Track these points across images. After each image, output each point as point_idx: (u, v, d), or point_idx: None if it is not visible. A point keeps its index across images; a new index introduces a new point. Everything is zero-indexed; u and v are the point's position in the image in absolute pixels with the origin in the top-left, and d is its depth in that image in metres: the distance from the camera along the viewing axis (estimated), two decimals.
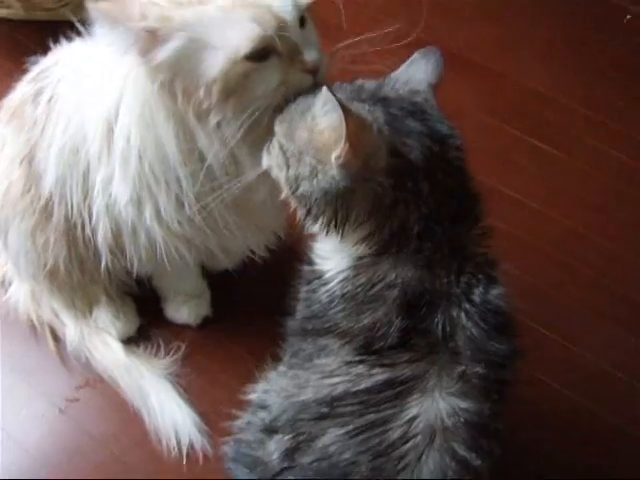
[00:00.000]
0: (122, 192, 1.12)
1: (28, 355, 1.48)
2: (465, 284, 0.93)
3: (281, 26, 0.95)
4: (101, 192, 1.16)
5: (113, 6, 0.95)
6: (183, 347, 1.45)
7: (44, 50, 1.29)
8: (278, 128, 0.97)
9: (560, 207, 1.71)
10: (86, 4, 0.94)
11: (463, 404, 0.90)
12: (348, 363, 0.94)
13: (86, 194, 1.19)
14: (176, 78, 0.98)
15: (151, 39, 0.95)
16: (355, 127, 0.85)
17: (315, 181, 0.91)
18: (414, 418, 0.90)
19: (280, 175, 0.97)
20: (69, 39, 1.23)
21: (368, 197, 0.91)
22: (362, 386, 0.92)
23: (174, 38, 0.95)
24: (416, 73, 1.01)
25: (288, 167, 0.94)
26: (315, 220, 0.95)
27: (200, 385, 1.43)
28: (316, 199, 0.92)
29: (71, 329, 1.46)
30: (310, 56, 0.99)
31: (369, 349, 0.93)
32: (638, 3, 2.13)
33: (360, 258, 0.95)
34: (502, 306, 0.94)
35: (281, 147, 0.95)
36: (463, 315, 0.92)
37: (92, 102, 1.13)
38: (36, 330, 1.49)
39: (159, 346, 1.46)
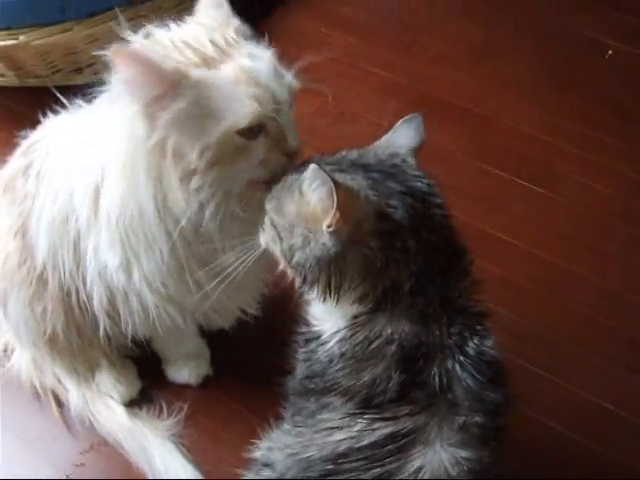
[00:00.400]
0: (111, 257, 1.16)
1: (32, 421, 1.50)
2: (458, 336, 0.96)
3: (276, 109, 1.02)
4: (93, 259, 1.19)
5: (137, 52, 0.99)
6: (185, 407, 1.47)
7: (37, 117, 1.34)
8: (268, 206, 1.01)
9: (551, 247, 1.73)
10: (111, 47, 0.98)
11: (464, 453, 0.92)
12: (351, 418, 0.96)
13: (78, 262, 1.23)
14: (170, 137, 1.01)
15: (166, 92, 0.98)
16: (344, 196, 0.89)
17: (308, 249, 0.95)
18: (419, 469, 0.92)
19: (275, 248, 1.01)
20: (61, 105, 1.28)
21: (359, 260, 0.94)
22: (366, 441, 0.94)
23: (184, 97, 0.99)
24: (398, 139, 1.05)
25: (281, 240, 0.99)
26: (311, 286, 0.99)
27: (203, 444, 1.44)
28: (310, 266, 0.96)
29: (74, 394, 1.47)
30: (293, 141, 1.06)
31: (370, 403, 0.95)
32: (618, 39, 2.17)
33: (355, 317, 0.98)
34: (495, 356, 0.98)
35: (272, 222, 1.00)
36: (458, 367, 0.95)
37: (80, 170, 1.16)
38: (39, 396, 1.51)
39: (161, 407, 1.47)
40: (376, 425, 0.94)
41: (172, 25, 1.09)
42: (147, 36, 1.07)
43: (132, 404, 1.48)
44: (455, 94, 2.05)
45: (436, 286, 0.96)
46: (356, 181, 0.94)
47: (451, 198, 1.74)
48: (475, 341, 0.96)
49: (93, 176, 1.13)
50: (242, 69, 1.01)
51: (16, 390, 1.51)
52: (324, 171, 0.89)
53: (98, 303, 1.25)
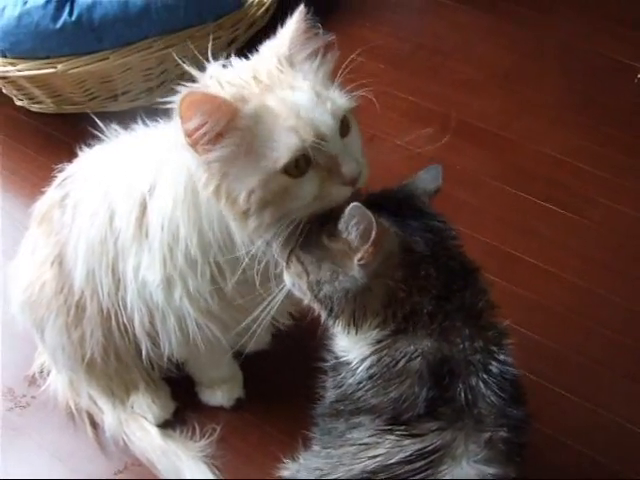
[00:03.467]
0: (152, 275, 1.18)
1: (67, 441, 1.53)
2: (481, 354, 1.00)
3: (320, 139, 0.98)
4: (132, 279, 1.22)
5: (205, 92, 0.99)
6: (218, 429, 1.49)
7: (74, 142, 1.37)
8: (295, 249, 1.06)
9: (579, 270, 1.74)
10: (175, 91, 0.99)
11: (491, 470, 0.95)
12: (379, 435, 0.99)
13: (117, 284, 1.26)
14: (222, 183, 1.01)
15: (227, 126, 0.98)
16: (379, 233, 0.95)
17: (337, 283, 1.01)
18: None
19: (302, 283, 1.05)
20: (97, 131, 1.30)
21: (383, 291, 1.01)
22: (395, 458, 0.97)
23: (236, 131, 0.98)
24: (419, 184, 1.10)
25: (308, 275, 1.03)
26: (336, 319, 1.04)
27: (235, 466, 1.46)
28: (337, 298, 1.01)
29: (109, 415, 1.50)
30: (349, 169, 1.01)
31: (398, 420, 0.98)
32: None
33: (379, 341, 1.02)
34: (516, 375, 1.01)
35: (299, 259, 1.04)
36: (482, 384, 0.98)
37: (124, 190, 1.19)
38: (74, 417, 1.54)
39: (194, 429, 1.50)
40: (405, 442, 0.97)
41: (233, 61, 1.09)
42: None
43: (166, 425, 1.51)
44: (482, 118, 2.08)
45: (455, 305, 1.01)
46: (383, 218, 0.99)
47: (479, 221, 1.80)
48: (498, 359, 1.00)
49: (140, 196, 1.16)
50: (281, 102, 0.99)
51: (51, 410, 1.55)
52: (365, 208, 0.95)
53: (139, 324, 1.28)
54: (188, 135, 0.98)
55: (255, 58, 1.09)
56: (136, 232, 1.18)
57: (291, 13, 1.09)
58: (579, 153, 1.98)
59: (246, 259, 1.09)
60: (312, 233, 1.05)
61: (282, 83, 1.02)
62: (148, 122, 1.24)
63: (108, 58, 1.86)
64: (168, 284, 1.19)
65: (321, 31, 1.11)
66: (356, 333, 1.04)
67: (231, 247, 1.12)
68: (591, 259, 1.76)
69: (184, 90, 0.98)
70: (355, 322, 1.03)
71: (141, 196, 1.16)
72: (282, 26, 1.09)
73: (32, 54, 1.84)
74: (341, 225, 0.98)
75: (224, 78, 1.04)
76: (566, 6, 2.41)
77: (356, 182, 1.03)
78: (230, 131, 0.98)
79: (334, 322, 1.06)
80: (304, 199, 1.02)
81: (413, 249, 1.00)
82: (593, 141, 2.01)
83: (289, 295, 1.11)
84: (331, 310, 1.04)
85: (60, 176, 1.36)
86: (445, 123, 2.06)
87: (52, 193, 1.36)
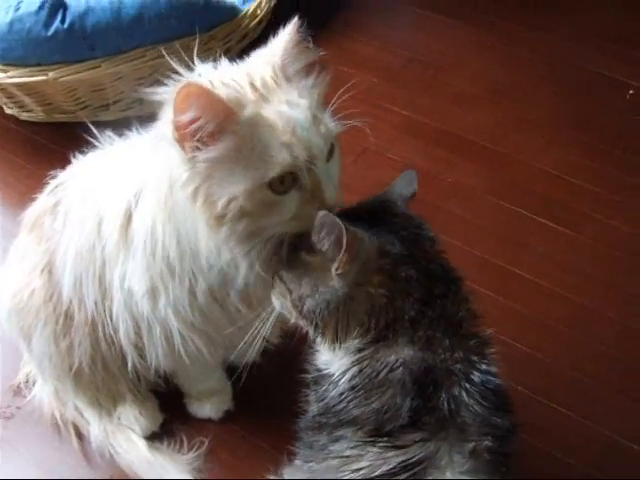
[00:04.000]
0: (137, 284, 1.16)
1: (52, 453, 1.50)
2: (462, 363, 0.99)
3: (311, 160, 0.99)
4: (119, 288, 1.20)
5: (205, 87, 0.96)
6: (206, 442, 1.46)
7: (64, 151, 1.35)
8: (275, 264, 1.06)
9: (572, 285, 1.73)
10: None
11: None
12: (362, 447, 0.97)
13: (104, 293, 1.24)
14: (203, 184, 0.99)
15: (221, 125, 0.96)
16: (351, 239, 0.95)
17: (317, 295, 1.01)
18: None
19: (286, 302, 1.05)
20: (89, 141, 1.29)
21: (365, 300, 1.00)
22: (378, 471, 0.94)
23: (233, 134, 0.96)
24: (394, 189, 1.11)
25: (290, 292, 1.03)
26: (323, 334, 1.04)
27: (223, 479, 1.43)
28: (320, 311, 1.01)
29: (95, 427, 1.48)
30: (330, 196, 1.02)
31: (381, 431, 0.96)
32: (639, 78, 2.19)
33: (360, 350, 1.01)
34: (500, 384, 1.00)
35: (280, 278, 1.05)
36: (464, 394, 0.97)
37: (112, 197, 1.17)
38: (60, 428, 1.51)
39: (182, 441, 1.47)
40: (389, 454, 0.95)
41: (225, 64, 1.07)
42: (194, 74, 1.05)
43: (153, 437, 1.48)
44: (476, 133, 2.07)
45: (437, 312, 1.00)
46: (355, 226, 0.99)
47: (472, 235, 1.78)
48: (480, 369, 0.99)
49: (126, 202, 1.14)
50: (278, 116, 0.98)
51: (37, 421, 1.52)
52: (333, 216, 0.95)
53: (124, 335, 1.25)
54: (178, 128, 0.96)
55: (247, 64, 1.08)
56: (121, 240, 1.16)
57: (284, 25, 1.08)
58: (573, 169, 1.98)
59: (214, 270, 1.09)
60: (292, 251, 1.04)
61: (278, 95, 1.01)
62: (142, 130, 1.22)
63: (100, 66, 1.84)
64: (153, 294, 1.16)
65: (312, 46, 1.10)
66: (340, 347, 1.02)
67: (201, 263, 1.10)
68: (585, 274, 1.75)
69: (182, 81, 0.97)
70: (339, 335, 1.02)
71: (127, 202, 1.15)
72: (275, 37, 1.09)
73: (23, 61, 1.82)
74: (314, 236, 0.98)
75: (216, 78, 1.02)
76: (560, 25, 2.42)
77: (334, 208, 1.02)
78: (224, 134, 0.96)
79: (322, 338, 1.05)
80: (282, 217, 1.02)
81: (389, 251, 0.99)
82: (587, 157, 2.01)
83: (279, 316, 1.10)
84: (316, 325, 1.03)
85: (52, 183, 1.34)
86: (436, 137, 2.05)
87: (44, 200, 1.33)
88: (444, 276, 1.04)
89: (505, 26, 2.40)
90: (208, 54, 2.05)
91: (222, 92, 0.98)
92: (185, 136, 0.96)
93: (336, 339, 1.03)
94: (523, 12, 2.45)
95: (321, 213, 0.96)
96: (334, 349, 1.03)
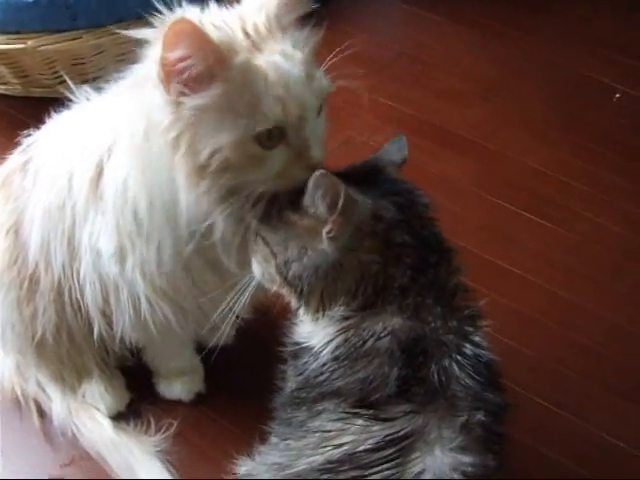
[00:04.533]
0: (106, 244, 1.10)
1: (12, 431, 1.43)
2: (454, 334, 0.94)
3: (301, 117, 0.95)
4: (87, 248, 1.14)
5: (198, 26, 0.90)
6: (175, 424, 1.39)
7: (40, 126, 1.30)
8: (257, 226, 1.01)
9: (560, 281, 1.69)
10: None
11: (466, 459, 0.87)
12: (345, 421, 0.91)
13: (72, 254, 1.18)
14: (187, 131, 0.94)
15: (210, 70, 0.91)
16: (346, 201, 0.90)
17: (305, 259, 0.96)
18: (420, 473, 0.86)
19: (270, 267, 1.00)
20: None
21: (356, 266, 0.95)
22: (362, 447, 0.89)
23: (223, 81, 0.91)
24: (384, 155, 1.07)
25: (275, 256, 0.98)
26: (307, 302, 0.99)
27: (191, 462, 1.36)
28: (307, 276, 0.96)
29: (57, 404, 1.40)
30: (317, 154, 0.98)
31: (366, 402, 0.91)
32: (626, 83, 2.18)
33: (345, 319, 0.96)
34: (492, 359, 0.96)
35: (264, 240, 0.99)
36: (455, 366, 0.92)
37: (83, 151, 1.12)
38: (20, 405, 1.44)
39: (149, 423, 1.40)
40: (374, 428, 0.89)
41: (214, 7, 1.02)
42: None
43: (119, 418, 1.41)
44: (464, 128, 2.04)
45: (429, 280, 0.96)
46: (350, 188, 0.95)
47: (459, 228, 1.72)
48: (472, 340, 0.95)
49: (98, 154, 1.08)
50: (272, 67, 0.94)
51: None
52: (332, 175, 0.91)
53: (92, 299, 1.19)
54: (164, 65, 0.90)
55: (238, 9, 1.02)
56: (91, 195, 1.10)
57: None
58: (562, 167, 1.95)
59: (185, 229, 1.03)
60: (276, 212, 0.99)
61: (271, 45, 0.96)
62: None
63: (81, 37, 1.79)
64: (121, 254, 1.10)
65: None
66: (323, 315, 0.97)
67: (174, 211, 1.03)
68: (572, 270, 1.72)
69: (175, 15, 0.92)
70: (324, 303, 0.97)
71: (99, 155, 1.09)
72: None
73: (2, 28, 1.76)
74: (306, 198, 0.94)
75: (206, 19, 0.96)
76: (549, 28, 2.40)
77: (318, 167, 0.97)
78: (214, 79, 0.91)
79: (305, 307, 0.99)
80: (266, 173, 0.97)
81: (384, 215, 0.95)
82: (576, 156, 1.98)
83: (257, 287, 1.05)
84: (301, 292, 0.97)
85: (25, 141, 1.29)
86: (424, 129, 2.01)
87: (14, 158, 1.28)
88: (437, 244, 1.00)
89: (497, 28, 2.38)
90: None
91: (213, 35, 0.92)
92: (171, 74, 0.91)
93: (321, 307, 0.98)
94: (512, 13, 2.42)
95: (318, 172, 0.92)
96: (317, 319, 0.98)
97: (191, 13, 0.98)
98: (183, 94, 0.92)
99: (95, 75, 1.90)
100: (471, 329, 0.96)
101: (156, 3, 0.98)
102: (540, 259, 1.75)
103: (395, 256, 0.95)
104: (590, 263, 1.74)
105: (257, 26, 0.97)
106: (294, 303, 1.02)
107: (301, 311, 1.01)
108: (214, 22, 0.96)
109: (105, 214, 1.09)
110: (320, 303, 0.98)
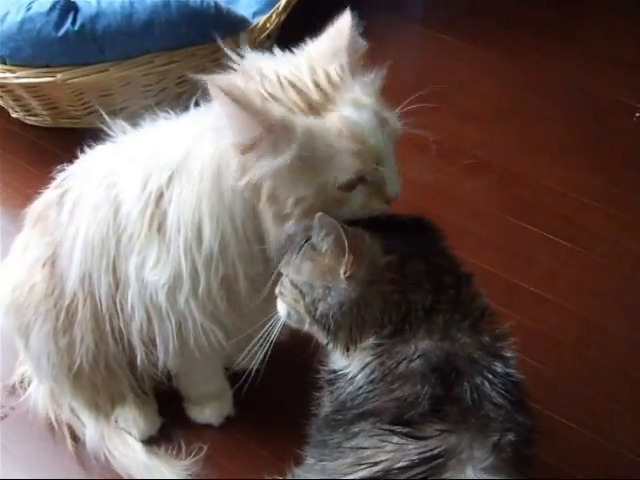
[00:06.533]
0: (158, 274, 1.12)
1: (45, 455, 1.45)
2: (484, 352, 0.96)
3: (378, 164, 0.98)
4: (134, 279, 1.15)
5: (235, 88, 0.95)
6: (205, 448, 1.42)
7: (70, 157, 1.33)
8: (285, 269, 1.04)
9: (581, 301, 1.70)
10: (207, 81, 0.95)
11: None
12: (381, 437, 0.92)
13: (117, 285, 1.19)
14: (265, 182, 0.98)
15: (269, 139, 0.95)
16: (353, 239, 0.95)
17: (329, 298, 0.99)
18: None
19: (299, 307, 1.03)
20: (94, 146, 1.27)
21: (378, 297, 0.98)
22: (397, 465, 0.90)
23: (289, 149, 0.94)
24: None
25: (304, 296, 1.01)
26: (335, 338, 1.01)
27: None
28: (334, 314, 0.99)
29: (91, 429, 1.43)
30: (392, 190, 1.02)
31: (400, 420, 0.92)
32: None
33: (377, 346, 0.98)
34: (521, 380, 0.97)
35: (292, 283, 1.02)
36: (487, 384, 0.93)
37: (130, 185, 1.13)
38: (54, 430, 1.47)
39: (180, 447, 1.43)
40: (409, 446, 0.90)
41: (278, 54, 1.06)
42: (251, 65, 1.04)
43: (150, 442, 1.44)
44: (483, 150, 2.06)
45: (451, 301, 0.99)
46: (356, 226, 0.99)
47: (480, 249, 1.76)
48: (503, 358, 0.96)
49: (152, 188, 1.10)
50: (346, 122, 0.96)
51: (31, 422, 1.48)
52: (330, 218, 0.95)
53: (137, 328, 1.21)
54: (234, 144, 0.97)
55: (308, 54, 1.05)
56: (145, 227, 1.12)
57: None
58: (582, 188, 1.96)
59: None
60: (297, 252, 1.02)
61: (343, 94, 0.99)
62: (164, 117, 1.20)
63: (108, 70, 1.82)
64: (174, 284, 1.12)
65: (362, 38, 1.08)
66: (355, 350, 1.00)
67: (247, 245, 1.08)
68: (594, 290, 1.73)
69: (227, 84, 0.95)
70: (353, 337, 1.00)
71: (157, 188, 1.10)
72: (284, 51, 1.07)
73: (32, 62, 1.80)
74: (314, 239, 0.98)
75: (281, 72, 1.00)
76: (568, 50, 2.42)
77: (394, 200, 1.03)
78: (284, 148, 0.95)
79: (334, 342, 1.02)
80: (350, 211, 1.01)
81: (394, 246, 0.98)
82: (595, 176, 2.00)
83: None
84: (329, 329, 1.00)
85: (59, 176, 1.31)
86: (444, 151, 2.03)
87: (49, 192, 1.30)
88: (453, 268, 1.02)
89: (517, 51, 2.40)
90: (216, 64, 2.05)
91: (288, 97, 0.98)
92: (242, 148, 0.97)
93: (351, 341, 1.00)
94: (531, 35, 2.45)
95: (318, 215, 0.96)
96: (348, 352, 1.01)
97: (260, 61, 1.03)
98: (258, 159, 0.97)
99: (122, 106, 1.95)
100: (501, 346, 0.98)
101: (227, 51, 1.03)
102: (560, 279, 1.76)
103: (413, 283, 0.98)
104: (610, 283, 1.75)
105: (329, 76, 1.00)
106: (323, 340, 1.04)
107: (330, 346, 1.04)
108: (286, 74, 1.00)
109: (162, 246, 1.11)
110: (349, 338, 1.00)
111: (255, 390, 1.46)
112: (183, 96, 1.99)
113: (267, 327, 1.08)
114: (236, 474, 1.41)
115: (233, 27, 2.02)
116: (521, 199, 1.94)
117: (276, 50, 1.07)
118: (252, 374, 1.36)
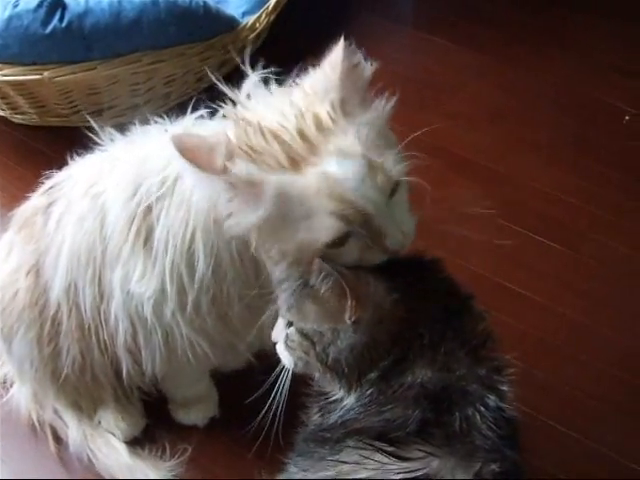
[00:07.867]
0: (143, 287, 1.10)
1: (28, 456, 1.45)
2: (479, 384, 0.94)
3: (366, 218, 0.89)
4: (118, 290, 1.14)
5: (197, 148, 0.90)
6: (189, 449, 1.41)
7: (57, 156, 1.32)
8: (291, 317, 1.00)
9: (569, 303, 1.70)
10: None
11: None
12: (363, 452, 0.91)
13: (102, 296, 1.18)
14: (252, 232, 0.94)
15: (239, 200, 0.91)
16: (354, 284, 0.92)
17: (339, 341, 0.95)
18: None
19: (310, 357, 0.98)
20: (80, 145, 1.25)
21: (387, 336, 0.95)
22: None
23: (258, 209, 0.89)
24: None
25: (314, 345, 0.97)
26: (346, 382, 0.98)
27: None
28: (346, 358, 0.96)
29: (74, 430, 1.42)
30: (393, 242, 0.93)
31: (386, 437, 0.91)
32: (636, 105, 2.18)
33: (379, 377, 0.96)
34: (514, 417, 0.95)
35: (301, 331, 0.98)
36: (478, 416, 0.91)
37: (118, 197, 1.10)
38: (36, 430, 1.45)
39: (164, 448, 1.42)
40: (391, 466, 0.88)
41: (274, 88, 1.00)
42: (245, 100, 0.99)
43: (134, 443, 1.43)
44: (473, 151, 2.05)
45: (455, 331, 0.96)
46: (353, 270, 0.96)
47: (468, 251, 1.75)
48: (497, 391, 0.94)
49: (140, 202, 1.07)
50: (325, 179, 0.87)
51: (13, 423, 1.46)
52: (327, 263, 0.91)
53: (122, 339, 1.19)
54: None
55: (301, 93, 0.97)
56: (132, 238, 1.09)
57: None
58: (572, 190, 1.95)
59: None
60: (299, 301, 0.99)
61: (331, 142, 0.90)
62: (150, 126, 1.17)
63: (96, 68, 1.82)
64: (161, 297, 1.10)
65: (365, 63, 1.02)
66: (362, 385, 0.97)
67: (242, 270, 1.06)
68: (583, 292, 1.73)
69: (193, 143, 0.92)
70: (360, 377, 0.97)
71: (145, 201, 1.07)
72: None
73: (19, 59, 1.79)
74: (313, 281, 0.95)
75: (266, 123, 0.92)
76: (558, 53, 2.41)
77: (397, 252, 0.95)
78: (258, 205, 0.90)
79: (342, 384, 0.99)
80: (344, 262, 0.93)
81: (399, 285, 0.95)
82: (586, 179, 1.99)
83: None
84: (342, 373, 0.97)
85: (47, 183, 1.29)
86: (432, 152, 2.02)
87: (37, 199, 1.28)
88: (455, 296, 1.00)
89: (507, 52, 2.39)
90: (206, 64, 2.04)
91: (260, 151, 0.90)
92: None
93: (357, 381, 0.97)
94: (521, 38, 2.44)
95: (316, 261, 0.92)
96: (355, 390, 0.98)
97: (248, 104, 0.98)
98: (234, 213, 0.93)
99: (110, 104, 1.94)
100: (497, 379, 0.95)
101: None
102: (549, 281, 1.75)
103: (420, 318, 0.95)
104: (600, 285, 1.74)
105: (319, 120, 0.91)
106: (334, 388, 1.00)
107: (339, 389, 1.00)
108: (265, 128, 0.91)
109: (145, 259, 1.09)
110: (357, 378, 0.97)
111: (241, 392, 1.46)
112: (171, 95, 1.99)
113: (279, 380, 1.04)
114: (220, 476, 1.40)
115: (222, 26, 2.02)
116: (510, 200, 1.93)
117: (273, 87, 1.00)
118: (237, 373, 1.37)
